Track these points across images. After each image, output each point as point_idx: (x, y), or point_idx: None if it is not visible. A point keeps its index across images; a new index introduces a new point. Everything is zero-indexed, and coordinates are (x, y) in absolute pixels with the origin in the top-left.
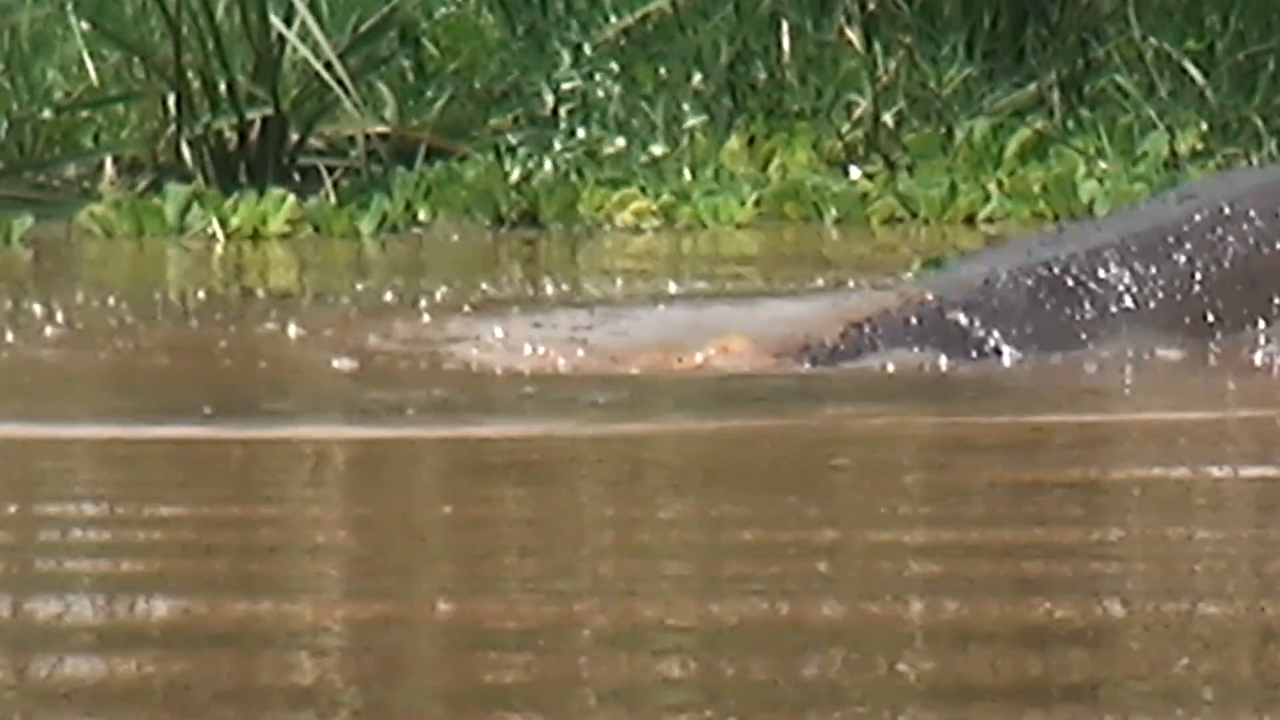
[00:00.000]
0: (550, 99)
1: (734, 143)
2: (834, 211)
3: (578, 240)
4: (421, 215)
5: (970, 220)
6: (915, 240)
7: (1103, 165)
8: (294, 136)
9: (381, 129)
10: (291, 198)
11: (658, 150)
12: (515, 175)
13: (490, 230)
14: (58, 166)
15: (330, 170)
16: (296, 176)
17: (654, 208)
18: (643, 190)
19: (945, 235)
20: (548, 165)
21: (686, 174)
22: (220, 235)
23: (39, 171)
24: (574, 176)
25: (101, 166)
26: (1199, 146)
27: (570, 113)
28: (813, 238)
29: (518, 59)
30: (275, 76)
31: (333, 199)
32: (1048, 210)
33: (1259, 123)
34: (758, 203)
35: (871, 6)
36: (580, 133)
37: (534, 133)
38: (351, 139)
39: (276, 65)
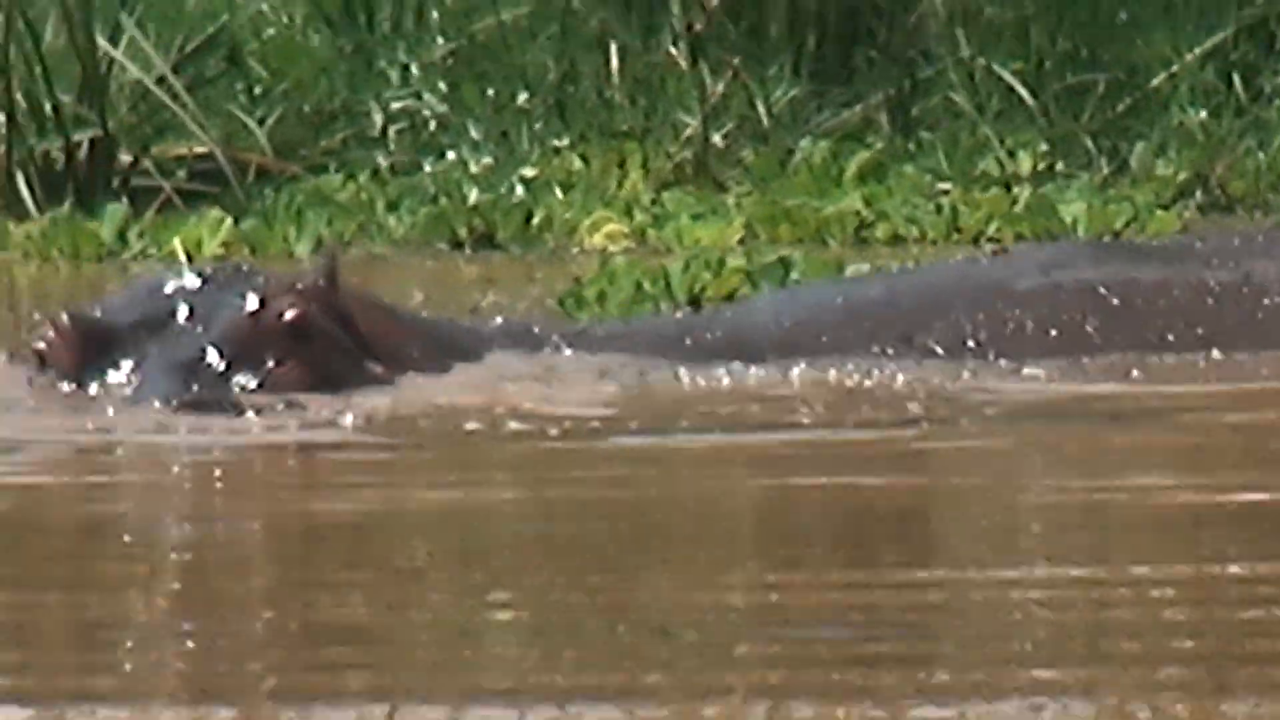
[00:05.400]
0: (379, 119)
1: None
2: (839, 234)
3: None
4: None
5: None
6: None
7: (943, 187)
8: (125, 158)
9: (203, 149)
10: (229, 220)
11: (530, 171)
12: (473, 197)
13: (449, 253)
14: None
15: (160, 191)
16: (125, 199)
17: (626, 230)
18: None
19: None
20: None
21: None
22: (182, 256)
23: None
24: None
25: None
26: (1040, 166)
27: (399, 133)
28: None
29: (346, 79)
30: (103, 98)
31: (180, 218)
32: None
33: (1089, 142)
34: (746, 225)
35: (698, 27)
36: (450, 154)
37: (363, 153)
38: (179, 159)
39: (104, 86)
